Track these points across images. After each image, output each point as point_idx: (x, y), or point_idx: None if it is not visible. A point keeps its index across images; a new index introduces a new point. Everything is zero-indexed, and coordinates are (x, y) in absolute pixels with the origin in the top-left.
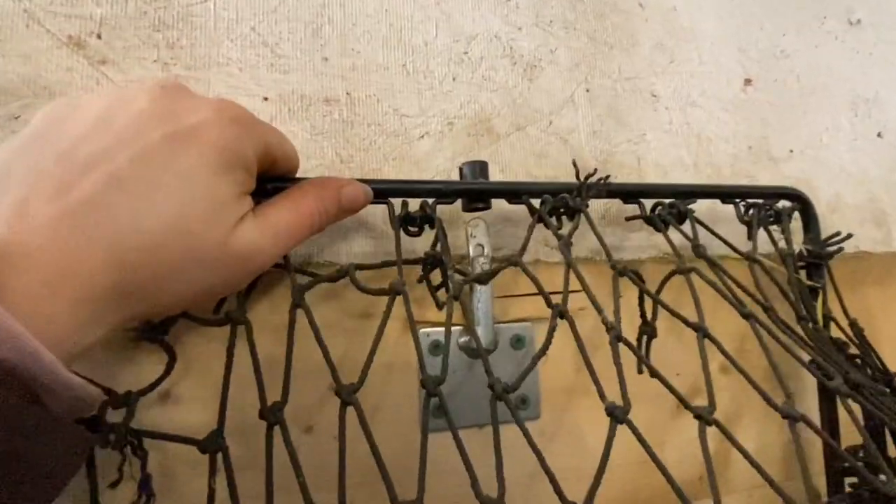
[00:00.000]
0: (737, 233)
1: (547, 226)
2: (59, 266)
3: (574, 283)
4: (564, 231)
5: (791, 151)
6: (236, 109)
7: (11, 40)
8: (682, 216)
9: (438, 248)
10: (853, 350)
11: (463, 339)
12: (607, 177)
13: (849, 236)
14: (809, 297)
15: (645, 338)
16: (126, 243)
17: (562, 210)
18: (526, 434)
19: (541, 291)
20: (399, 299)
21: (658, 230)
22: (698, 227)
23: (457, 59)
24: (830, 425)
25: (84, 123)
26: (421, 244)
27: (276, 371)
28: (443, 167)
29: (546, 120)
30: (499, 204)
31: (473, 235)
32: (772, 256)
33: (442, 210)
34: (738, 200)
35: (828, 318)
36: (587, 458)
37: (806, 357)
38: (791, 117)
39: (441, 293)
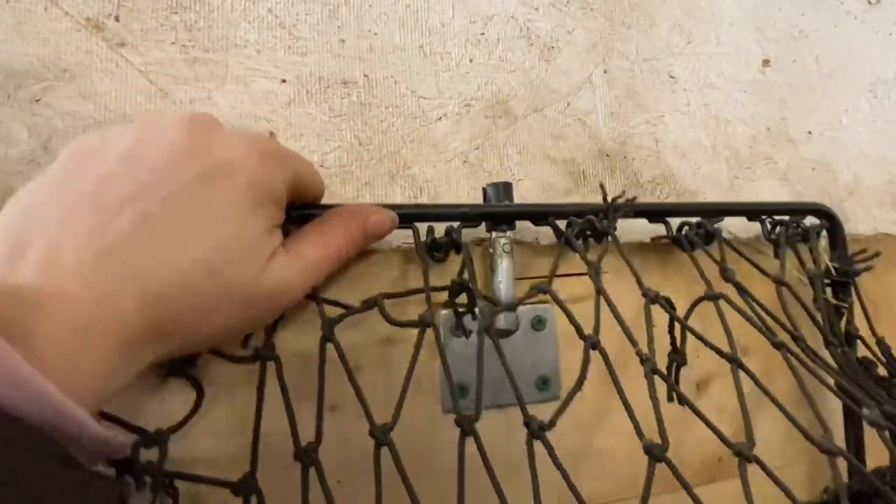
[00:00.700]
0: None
1: (574, 249)
2: (92, 313)
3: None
4: (592, 255)
5: (810, 133)
6: (268, 143)
7: (30, 23)
8: (709, 236)
9: (465, 274)
10: (881, 370)
11: (483, 321)
12: (634, 198)
13: (877, 255)
14: (836, 320)
15: (675, 365)
16: (159, 285)
17: (588, 233)
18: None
19: (573, 322)
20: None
21: (685, 251)
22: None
23: (473, 41)
24: (856, 447)
25: (113, 161)
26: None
27: (302, 404)
28: (460, 149)
29: (563, 101)
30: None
31: (498, 254)
32: (794, 273)
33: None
34: (764, 217)
35: (854, 336)
36: (607, 439)
37: (832, 382)
38: (810, 99)
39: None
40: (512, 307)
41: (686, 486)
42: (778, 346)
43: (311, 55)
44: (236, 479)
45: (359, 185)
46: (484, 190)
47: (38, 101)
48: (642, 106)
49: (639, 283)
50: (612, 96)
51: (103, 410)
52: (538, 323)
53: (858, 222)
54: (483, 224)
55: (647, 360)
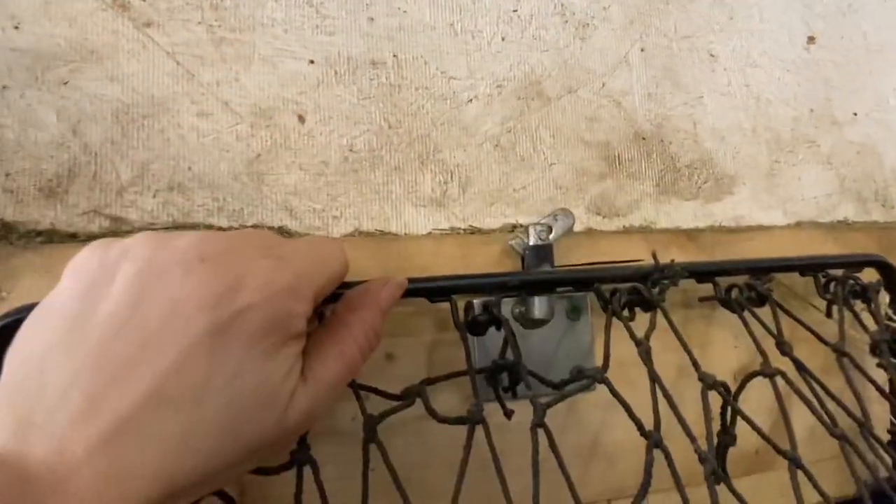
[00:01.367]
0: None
1: (620, 320)
2: (106, 493)
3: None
4: (638, 328)
5: (855, 114)
6: (286, 275)
7: (57, 3)
8: (762, 298)
9: (508, 352)
10: None
11: (518, 310)
12: (674, 263)
13: None
14: None
15: (724, 447)
16: (176, 465)
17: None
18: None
19: (633, 418)
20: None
21: (734, 312)
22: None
23: (506, 18)
24: None
25: (115, 309)
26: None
27: None
28: (492, 132)
29: (599, 82)
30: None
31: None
32: (853, 333)
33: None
34: (818, 273)
35: None
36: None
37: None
38: (856, 78)
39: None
40: (559, 387)
41: (676, 477)
42: (839, 437)
43: (339, 34)
44: None
45: (388, 170)
46: (522, 255)
47: (65, 83)
48: (680, 86)
49: (695, 366)
50: (649, 76)
51: None
52: (573, 311)
53: None
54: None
55: (706, 460)
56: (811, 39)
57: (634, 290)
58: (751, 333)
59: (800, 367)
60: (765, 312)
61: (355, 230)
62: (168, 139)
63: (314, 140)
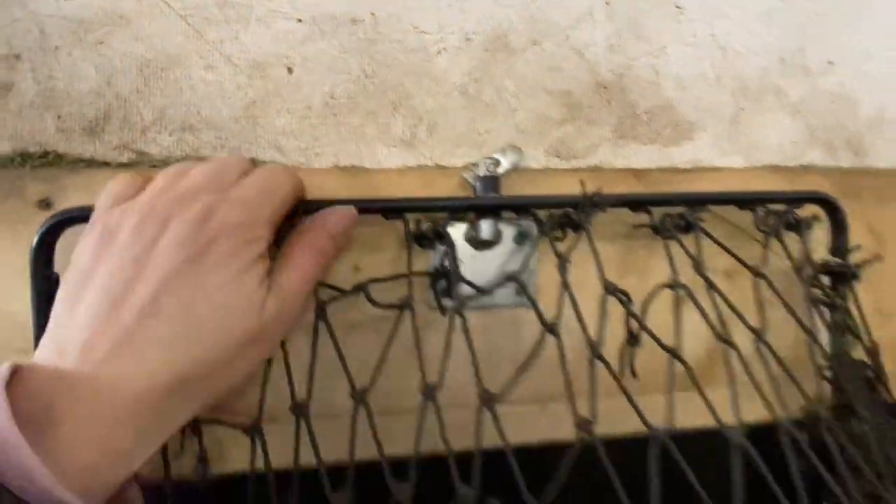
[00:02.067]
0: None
1: (548, 237)
2: (119, 389)
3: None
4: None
5: (830, 63)
6: (237, 211)
7: None
8: (689, 226)
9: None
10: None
11: (470, 234)
12: (601, 192)
13: (878, 257)
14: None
15: (629, 348)
16: (179, 357)
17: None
18: None
19: (535, 307)
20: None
21: (665, 239)
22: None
23: None
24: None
25: (118, 254)
26: None
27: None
28: (459, 82)
29: (563, 34)
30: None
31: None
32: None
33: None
34: (757, 207)
35: (844, 329)
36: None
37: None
38: (835, 26)
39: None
40: (485, 292)
41: (565, 369)
42: (723, 339)
43: None
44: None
45: (363, 115)
46: (474, 187)
47: (101, 43)
48: (644, 38)
49: (601, 277)
50: (613, 28)
51: None
52: (519, 237)
53: (879, 157)
54: None
55: (593, 348)
56: None
57: (565, 214)
58: (670, 257)
59: (710, 284)
60: (708, 244)
61: (334, 165)
62: (181, 88)
63: (300, 88)
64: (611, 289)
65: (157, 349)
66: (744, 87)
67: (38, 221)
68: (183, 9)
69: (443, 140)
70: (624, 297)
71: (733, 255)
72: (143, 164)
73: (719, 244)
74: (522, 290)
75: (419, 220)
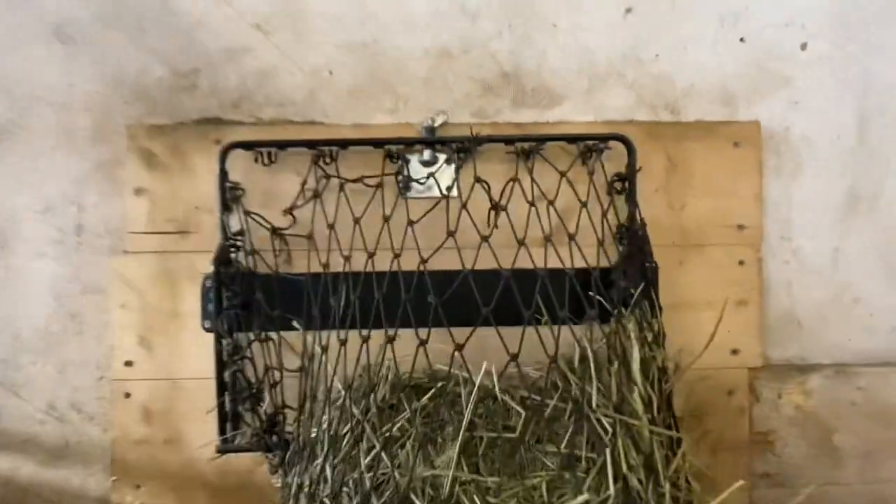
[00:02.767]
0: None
1: (454, 161)
2: None
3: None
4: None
5: (657, 56)
6: None
7: None
8: (528, 153)
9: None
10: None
11: (421, 159)
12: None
13: (638, 168)
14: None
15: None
16: None
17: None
18: None
19: (440, 191)
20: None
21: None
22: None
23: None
24: None
25: None
26: None
27: None
28: (422, 76)
29: (483, 46)
30: None
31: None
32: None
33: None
34: (578, 143)
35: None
36: None
37: None
38: (662, 33)
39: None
40: (422, 183)
41: (482, 238)
42: (532, 206)
43: None
44: None
45: (369, 93)
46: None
47: (235, 62)
48: (532, 46)
49: (477, 180)
50: (513, 40)
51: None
52: (445, 160)
53: (689, 114)
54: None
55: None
56: (629, 10)
57: (464, 146)
58: (516, 168)
59: (533, 181)
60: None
61: (353, 123)
62: (279, 80)
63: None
64: (482, 182)
65: None
66: (595, 73)
67: (215, 150)
68: (240, 13)
69: (410, 108)
70: (486, 186)
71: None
72: (260, 124)
73: (552, 165)
74: (435, 181)
75: (391, 149)
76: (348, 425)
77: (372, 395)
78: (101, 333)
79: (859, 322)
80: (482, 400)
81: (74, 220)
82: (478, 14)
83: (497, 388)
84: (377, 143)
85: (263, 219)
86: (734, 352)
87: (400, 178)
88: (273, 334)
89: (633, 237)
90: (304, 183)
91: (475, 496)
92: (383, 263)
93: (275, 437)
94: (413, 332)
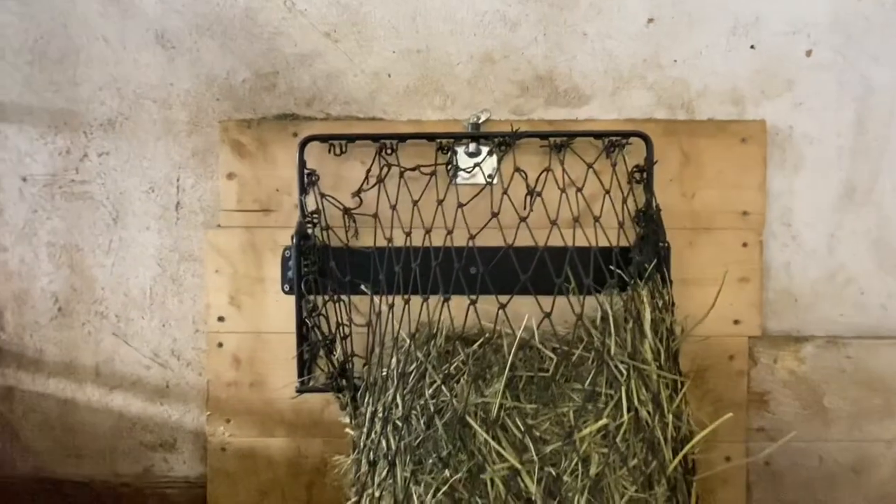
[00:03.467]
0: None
1: (496, 153)
2: None
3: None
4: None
5: (675, 61)
6: None
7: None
8: (560, 147)
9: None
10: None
11: (467, 150)
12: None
13: (655, 161)
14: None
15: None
16: None
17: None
18: None
19: (485, 178)
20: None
21: (556, 154)
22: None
23: (478, 20)
24: None
25: None
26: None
27: None
28: (466, 77)
29: (520, 52)
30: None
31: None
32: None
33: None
34: (603, 139)
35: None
36: None
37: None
38: (680, 41)
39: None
40: (469, 172)
41: (520, 217)
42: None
43: None
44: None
45: (422, 93)
46: (469, 127)
47: (310, 66)
48: (564, 52)
49: (516, 170)
50: (547, 48)
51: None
52: (488, 152)
53: (702, 113)
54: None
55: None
56: (651, 20)
57: (505, 140)
58: (550, 161)
59: (565, 172)
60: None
61: (407, 119)
62: (342, 83)
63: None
64: (520, 171)
65: None
66: (620, 76)
67: (294, 142)
68: (312, 21)
69: (457, 106)
70: (524, 174)
71: (584, 161)
72: (329, 119)
73: (581, 158)
74: (480, 170)
75: (442, 142)
76: (413, 365)
77: (432, 342)
78: (197, 294)
79: (851, 299)
80: (521, 348)
81: (174, 198)
82: (517, 24)
83: (535, 338)
84: (430, 137)
85: (336, 200)
86: (736, 322)
87: (450, 167)
88: (344, 297)
89: (649, 221)
90: (368, 170)
91: (517, 419)
92: (438, 239)
93: (344, 381)
94: (462, 298)
